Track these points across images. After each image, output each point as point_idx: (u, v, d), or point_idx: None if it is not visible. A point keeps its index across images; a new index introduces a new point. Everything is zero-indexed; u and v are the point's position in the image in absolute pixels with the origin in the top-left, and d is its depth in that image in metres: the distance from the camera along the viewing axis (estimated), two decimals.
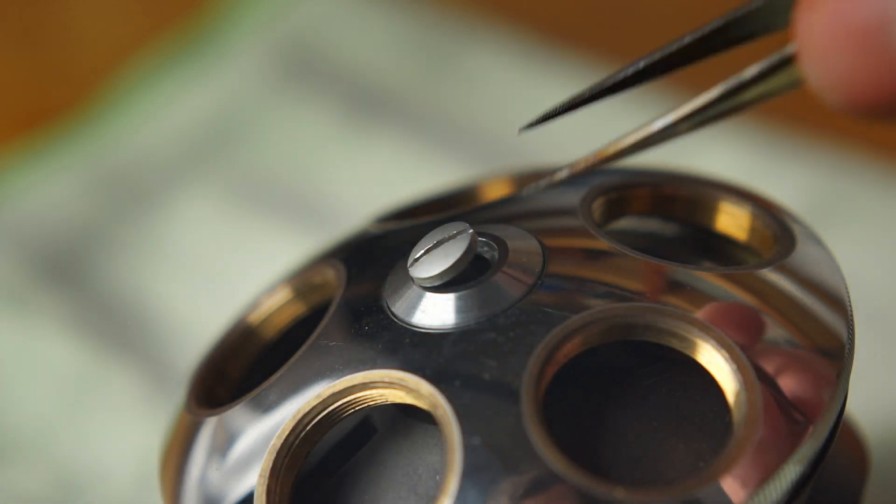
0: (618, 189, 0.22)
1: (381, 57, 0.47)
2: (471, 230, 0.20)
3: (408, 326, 0.19)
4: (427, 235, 0.20)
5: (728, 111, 0.18)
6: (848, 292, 0.20)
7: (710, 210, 0.22)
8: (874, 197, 0.37)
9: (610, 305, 0.18)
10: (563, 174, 0.20)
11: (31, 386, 0.37)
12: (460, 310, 0.19)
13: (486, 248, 0.20)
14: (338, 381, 0.19)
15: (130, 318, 0.39)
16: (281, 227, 0.41)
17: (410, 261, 0.20)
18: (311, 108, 0.45)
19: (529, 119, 0.20)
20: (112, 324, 0.38)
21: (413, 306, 0.19)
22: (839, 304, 0.19)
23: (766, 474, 0.17)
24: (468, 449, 0.17)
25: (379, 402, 0.19)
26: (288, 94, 0.46)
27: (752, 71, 0.17)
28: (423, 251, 0.20)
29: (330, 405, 0.19)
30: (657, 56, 0.19)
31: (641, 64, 0.19)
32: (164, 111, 0.46)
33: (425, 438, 0.19)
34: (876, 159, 0.38)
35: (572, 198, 0.22)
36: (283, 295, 0.23)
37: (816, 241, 0.21)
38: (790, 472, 0.17)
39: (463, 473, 0.17)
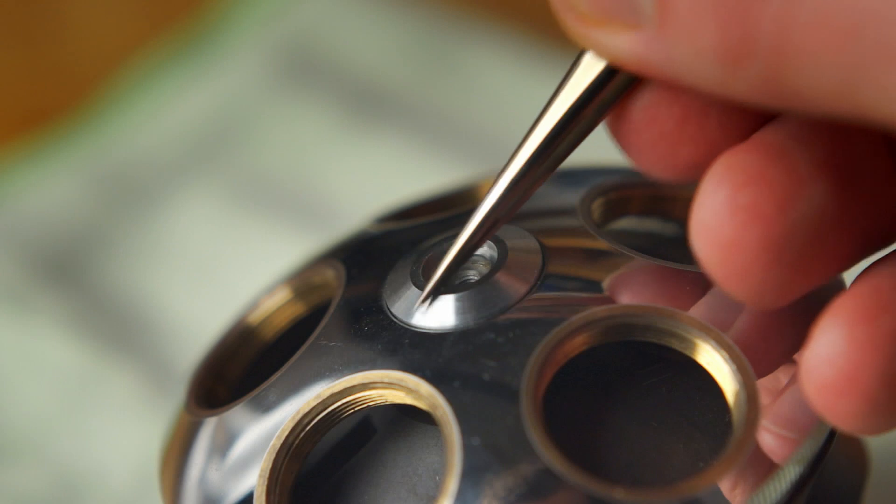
0: (618, 189, 0.22)
1: (381, 57, 0.47)
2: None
3: (407, 327, 0.19)
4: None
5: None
6: None
7: None
8: None
9: (610, 305, 0.18)
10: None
11: (31, 386, 0.37)
12: (460, 310, 0.19)
13: (485, 249, 0.20)
14: (337, 382, 0.19)
15: (130, 318, 0.39)
16: (281, 227, 0.41)
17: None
18: (311, 108, 0.45)
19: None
20: (112, 324, 0.38)
21: (412, 307, 0.19)
22: None
23: (765, 474, 0.17)
24: (468, 449, 0.17)
25: (378, 402, 0.19)
26: (288, 94, 0.46)
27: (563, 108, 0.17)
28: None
29: (330, 405, 0.19)
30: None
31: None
32: (164, 111, 0.46)
33: (425, 439, 0.19)
34: None
35: (572, 198, 0.22)
36: (282, 295, 0.23)
37: None
38: (790, 473, 0.17)
39: (462, 474, 0.17)
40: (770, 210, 0.15)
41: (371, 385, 0.19)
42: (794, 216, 0.15)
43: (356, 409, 0.19)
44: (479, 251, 0.20)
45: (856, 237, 0.16)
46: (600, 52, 0.16)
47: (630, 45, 0.15)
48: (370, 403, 0.19)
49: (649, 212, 0.23)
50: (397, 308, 0.19)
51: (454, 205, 0.24)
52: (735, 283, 0.16)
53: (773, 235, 0.15)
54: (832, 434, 0.18)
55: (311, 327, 0.20)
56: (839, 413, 0.15)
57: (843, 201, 0.16)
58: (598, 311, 0.18)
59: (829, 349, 0.15)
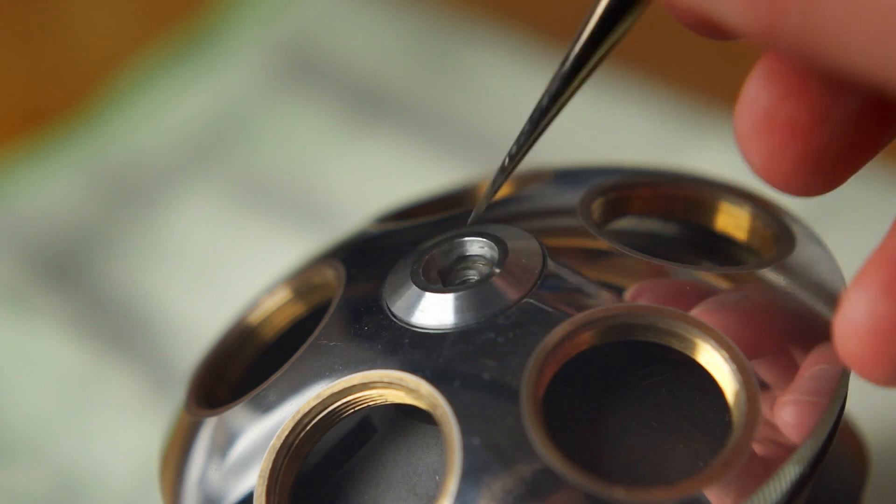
0: (617, 189, 0.22)
1: (381, 57, 0.47)
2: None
3: (407, 326, 0.19)
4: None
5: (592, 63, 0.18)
6: None
7: (710, 210, 0.22)
8: (874, 196, 0.37)
9: (610, 305, 0.18)
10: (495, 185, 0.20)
11: (30, 386, 0.37)
12: (460, 310, 0.19)
13: (485, 249, 0.20)
14: (337, 382, 0.19)
15: (130, 318, 0.39)
16: (280, 227, 0.41)
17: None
18: (311, 108, 0.45)
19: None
20: (112, 324, 0.38)
21: (412, 306, 0.19)
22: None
23: (765, 475, 0.17)
24: (468, 449, 0.17)
25: (378, 402, 0.19)
26: (288, 94, 0.46)
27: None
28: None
29: (329, 405, 0.19)
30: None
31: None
32: (164, 111, 0.46)
33: (425, 439, 0.19)
34: (875, 162, 0.38)
35: (572, 198, 0.22)
36: (282, 295, 0.23)
37: (816, 241, 0.21)
38: (790, 473, 0.17)
39: (462, 474, 0.17)
40: (809, 123, 0.15)
41: (371, 385, 0.19)
42: (833, 125, 0.15)
43: (356, 409, 0.19)
44: (480, 251, 0.20)
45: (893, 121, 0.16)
46: None
47: None
48: (370, 403, 0.19)
49: (649, 212, 0.23)
50: (397, 308, 0.19)
51: (454, 205, 0.24)
52: (781, 184, 0.16)
53: (813, 147, 0.15)
54: (832, 434, 0.18)
55: (311, 327, 0.20)
56: (874, 379, 0.15)
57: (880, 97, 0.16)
58: (598, 311, 0.18)
59: (855, 323, 0.15)
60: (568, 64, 0.18)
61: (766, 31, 0.14)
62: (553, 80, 0.18)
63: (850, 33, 0.13)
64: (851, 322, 0.15)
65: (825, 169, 0.16)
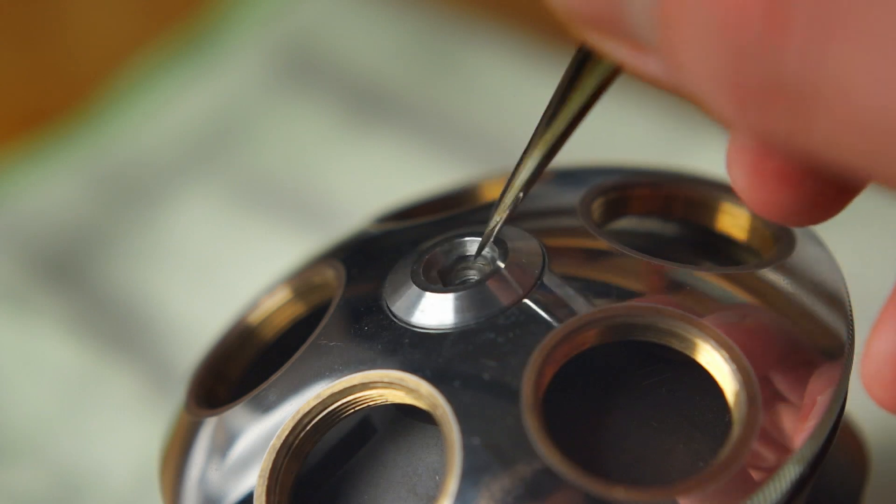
0: (618, 189, 0.22)
1: (380, 57, 0.48)
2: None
3: (407, 326, 0.19)
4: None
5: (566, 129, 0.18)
6: (848, 292, 0.20)
7: (710, 210, 0.22)
8: (875, 197, 0.37)
9: (610, 305, 0.18)
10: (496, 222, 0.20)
11: (30, 386, 0.37)
12: (460, 310, 0.19)
13: (486, 248, 0.20)
14: (337, 382, 0.19)
15: (130, 318, 0.39)
16: (280, 226, 0.41)
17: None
18: (311, 108, 0.45)
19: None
20: (112, 324, 0.38)
21: (412, 306, 0.19)
22: (839, 304, 0.19)
23: (765, 474, 0.17)
24: (468, 449, 0.17)
25: (378, 402, 0.19)
26: (288, 94, 0.46)
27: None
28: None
29: (329, 405, 0.19)
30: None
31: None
32: (164, 111, 0.46)
33: (425, 439, 0.19)
34: None
35: (572, 198, 0.22)
36: (282, 295, 0.23)
37: (816, 241, 0.21)
38: (790, 473, 0.17)
39: (462, 474, 0.17)
40: (798, 173, 0.15)
41: (371, 385, 0.19)
42: (822, 172, 0.15)
43: (356, 408, 0.19)
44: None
45: None
46: (612, 60, 0.16)
47: (641, 63, 0.15)
48: (370, 403, 0.19)
49: (649, 212, 0.23)
50: (397, 308, 0.19)
51: (454, 205, 0.24)
52: (780, 219, 0.16)
53: (804, 193, 0.16)
54: (832, 434, 0.18)
55: (311, 327, 0.20)
56: None
57: None
58: (598, 311, 0.18)
59: (880, 369, 0.16)
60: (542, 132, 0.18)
61: (754, 130, 0.14)
62: (528, 149, 0.19)
63: (841, 142, 0.13)
64: (876, 369, 0.16)
65: (819, 207, 0.16)
